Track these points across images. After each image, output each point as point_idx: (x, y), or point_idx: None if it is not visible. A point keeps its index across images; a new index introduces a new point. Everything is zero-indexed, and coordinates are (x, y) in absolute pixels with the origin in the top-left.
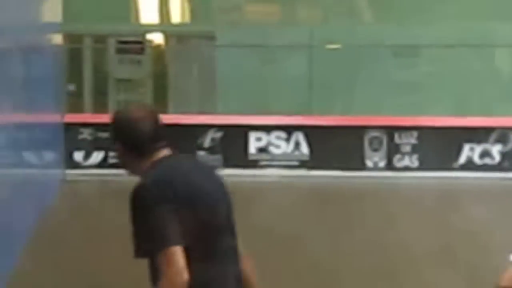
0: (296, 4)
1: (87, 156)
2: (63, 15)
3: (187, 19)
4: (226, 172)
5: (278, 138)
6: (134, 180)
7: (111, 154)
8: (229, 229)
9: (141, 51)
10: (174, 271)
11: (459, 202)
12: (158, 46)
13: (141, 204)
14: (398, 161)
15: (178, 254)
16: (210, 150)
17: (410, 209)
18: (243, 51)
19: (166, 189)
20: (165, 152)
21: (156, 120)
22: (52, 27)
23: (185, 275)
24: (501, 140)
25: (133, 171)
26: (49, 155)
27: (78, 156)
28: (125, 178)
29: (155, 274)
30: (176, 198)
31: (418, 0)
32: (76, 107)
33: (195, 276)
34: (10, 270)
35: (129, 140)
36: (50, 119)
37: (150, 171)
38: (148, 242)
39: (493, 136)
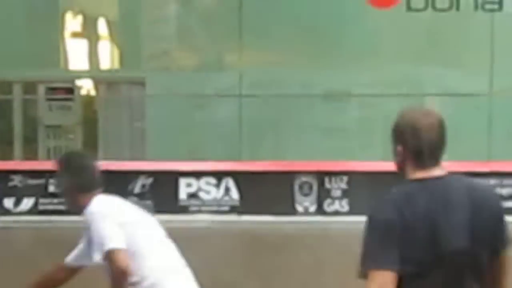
0: (226, 49)
1: (17, 202)
2: None
3: (117, 65)
4: (156, 218)
5: (208, 183)
6: (66, 227)
7: (42, 200)
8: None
9: (71, 97)
10: None
11: None
12: (88, 92)
13: None
14: (328, 206)
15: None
16: (141, 196)
17: (340, 253)
18: (172, 97)
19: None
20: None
21: (439, 130)
22: None
23: None
24: None
25: (401, 174)
26: None
27: (8, 202)
28: (56, 225)
29: None
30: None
31: (349, 47)
32: (6, 154)
33: None
34: None
35: (413, 146)
36: None
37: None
38: None
39: None
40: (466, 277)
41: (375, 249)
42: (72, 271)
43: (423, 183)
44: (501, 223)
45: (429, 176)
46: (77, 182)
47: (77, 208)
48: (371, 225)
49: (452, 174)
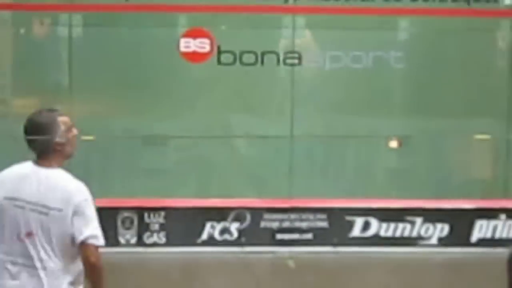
0: (61, 97)
1: None
2: None
3: None
4: None
5: None
6: None
7: None
8: None
9: None
10: None
11: (201, 273)
12: None
13: None
14: (147, 238)
15: None
16: None
17: (157, 281)
18: (8, 143)
19: None
20: None
21: None
22: None
23: None
24: (238, 218)
25: None
26: None
27: None
28: None
29: None
30: None
31: (167, 96)
32: None
33: None
34: None
35: None
36: None
37: None
38: None
39: (231, 215)
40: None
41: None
42: None
43: None
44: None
45: None
46: None
47: None
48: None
49: None
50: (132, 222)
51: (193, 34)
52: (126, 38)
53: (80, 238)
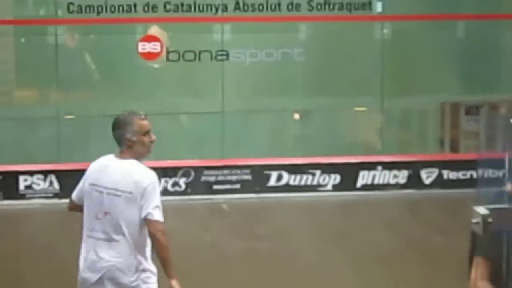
0: (51, 88)
1: None
2: None
3: None
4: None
5: None
6: None
7: None
8: None
9: None
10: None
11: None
12: None
13: None
14: None
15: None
16: None
17: None
18: None
19: None
20: None
21: None
22: None
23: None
24: (185, 175)
25: None
26: None
27: None
28: None
29: None
30: None
31: (130, 84)
32: None
33: None
34: None
35: None
36: None
37: None
38: None
39: (180, 172)
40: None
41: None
42: None
43: None
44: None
45: None
46: None
47: None
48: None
49: None
50: None
51: (148, 39)
52: (101, 42)
53: (143, 215)
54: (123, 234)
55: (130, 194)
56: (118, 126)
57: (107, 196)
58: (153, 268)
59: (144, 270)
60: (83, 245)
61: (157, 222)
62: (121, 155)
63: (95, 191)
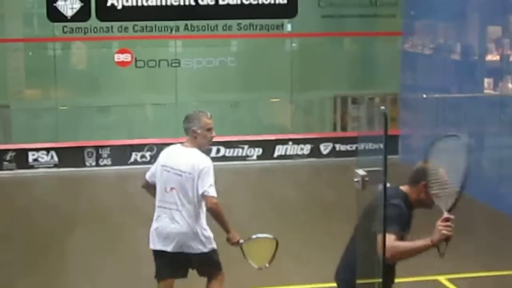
0: (51, 88)
1: None
2: None
3: None
4: None
5: None
6: None
7: None
8: None
9: None
10: None
11: (131, 180)
12: None
13: None
14: (101, 161)
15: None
16: None
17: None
18: None
19: None
20: None
21: None
22: None
23: None
24: (150, 149)
25: None
26: None
27: None
28: None
29: None
30: None
31: (108, 84)
32: None
33: None
34: None
35: None
36: None
37: None
38: None
39: (146, 148)
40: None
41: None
42: None
43: None
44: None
45: None
46: None
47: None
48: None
49: None
50: (91, 154)
51: (122, 51)
52: (87, 54)
53: (200, 192)
54: (185, 206)
55: (190, 175)
56: (188, 120)
57: (173, 175)
58: (210, 232)
59: (203, 235)
60: (155, 213)
61: (212, 197)
62: (186, 144)
63: (164, 171)
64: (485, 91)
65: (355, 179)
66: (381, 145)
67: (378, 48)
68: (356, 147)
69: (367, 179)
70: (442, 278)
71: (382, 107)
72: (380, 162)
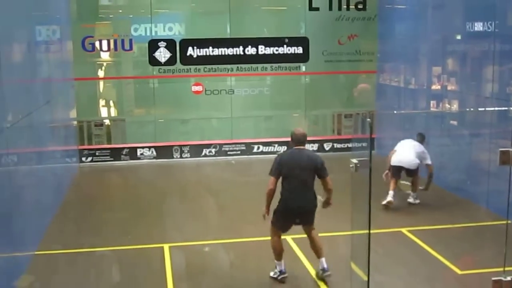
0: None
1: None
2: None
3: None
4: None
5: None
6: None
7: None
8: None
9: None
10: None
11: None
12: None
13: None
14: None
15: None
16: None
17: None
18: None
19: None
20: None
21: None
22: None
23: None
24: (215, 147)
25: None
26: None
27: None
28: None
29: None
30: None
31: (189, 113)
32: None
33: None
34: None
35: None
36: None
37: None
38: None
39: (211, 146)
40: (303, 180)
41: (272, 167)
42: None
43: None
44: (319, 165)
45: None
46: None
47: None
48: (274, 160)
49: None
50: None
51: (196, 84)
52: (175, 86)
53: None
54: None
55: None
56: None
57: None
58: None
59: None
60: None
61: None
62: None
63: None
64: (431, 109)
65: (351, 165)
66: (368, 143)
67: (361, 81)
68: (347, 146)
69: (358, 165)
70: (404, 230)
71: (368, 119)
72: (366, 154)
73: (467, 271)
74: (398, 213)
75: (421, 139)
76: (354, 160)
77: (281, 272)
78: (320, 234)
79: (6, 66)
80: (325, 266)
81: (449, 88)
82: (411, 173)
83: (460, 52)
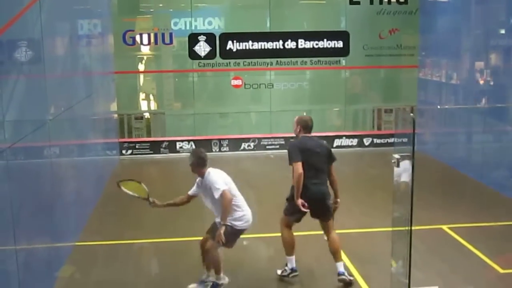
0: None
1: None
2: None
3: None
4: None
5: None
6: None
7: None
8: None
9: None
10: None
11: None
12: None
13: None
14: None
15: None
16: None
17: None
18: None
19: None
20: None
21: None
22: None
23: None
24: (253, 141)
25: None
26: None
27: None
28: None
29: None
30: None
31: (227, 103)
32: None
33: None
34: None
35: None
36: None
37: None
38: None
39: (250, 139)
40: (320, 168)
41: (293, 154)
42: (190, 198)
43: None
44: (330, 151)
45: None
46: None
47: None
48: (291, 147)
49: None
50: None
51: (235, 78)
52: (215, 80)
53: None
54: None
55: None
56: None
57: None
58: None
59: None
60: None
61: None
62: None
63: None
64: (474, 104)
65: (393, 161)
66: (412, 139)
67: (402, 76)
68: (387, 141)
69: (400, 159)
70: (445, 227)
71: (411, 114)
72: (407, 150)
73: (509, 270)
74: (438, 210)
75: None
76: (396, 155)
77: (292, 270)
78: (359, 230)
79: (48, 60)
80: (341, 270)
81: (492, 83)
82: None
83: (503, 47)
